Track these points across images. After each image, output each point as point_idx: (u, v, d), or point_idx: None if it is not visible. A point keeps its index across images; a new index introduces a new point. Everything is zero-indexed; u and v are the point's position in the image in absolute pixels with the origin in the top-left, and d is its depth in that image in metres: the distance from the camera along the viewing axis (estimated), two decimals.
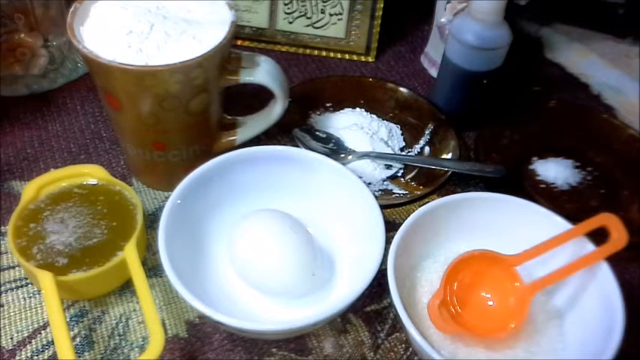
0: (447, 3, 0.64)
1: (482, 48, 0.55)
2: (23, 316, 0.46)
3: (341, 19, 0.68)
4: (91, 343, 0.45)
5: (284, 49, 0.70)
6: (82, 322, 0.46)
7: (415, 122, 0.61)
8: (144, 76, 0.44)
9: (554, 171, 0.58)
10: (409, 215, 0.45)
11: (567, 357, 0.42)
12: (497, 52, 0.56)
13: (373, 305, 0.48)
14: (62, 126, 0.60)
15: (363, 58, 0.70)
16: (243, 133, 0.54)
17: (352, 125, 0.59)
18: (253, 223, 0.45)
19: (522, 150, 0.59)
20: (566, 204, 0.55)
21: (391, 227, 0.45)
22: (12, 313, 0.46)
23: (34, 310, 0.46)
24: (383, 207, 0.46)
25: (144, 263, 0.47)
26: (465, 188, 0.56)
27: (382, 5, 0.66)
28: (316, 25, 0.69)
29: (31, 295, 0.47)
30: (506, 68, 0.58)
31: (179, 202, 0.45)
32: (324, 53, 0.70)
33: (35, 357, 0.44)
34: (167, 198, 0.45)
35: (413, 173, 0.57)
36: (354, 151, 0.56)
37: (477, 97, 0.59)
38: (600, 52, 0.72)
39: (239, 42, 0.70)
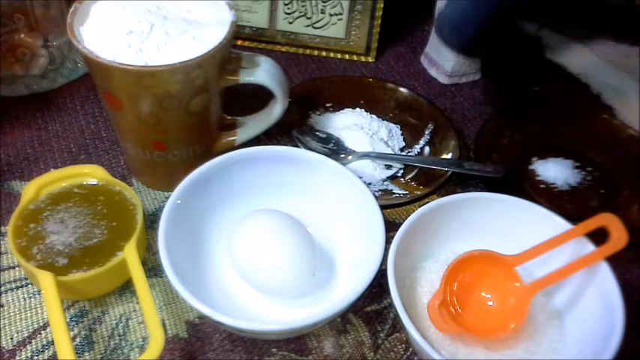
0: None
1: None
2: (23, 316, 0.46)
3: (341, 19, 0.68)
4: (91, 343, 0.45)
5: (284, 49, 0.70)
6: (82, 322, 0.46)
7: (415, 122, 0.61)
8: (144, 76, 0.44)
9: (554, 171, 0.58)
10: (409, 215, 0.45)
11: (567, 357, 0.42)
12: None
13: (373, 305, 0.48)
14: (62, 126, 0.60)
15: (363, 58, 0.70)
16: (243, 133, 0.54)
17: (352, 125, 0.59)
18: (253, 223, 0.45)
19: (522, 150, 0.59)
20: (566, 204, 0.55)
21: (391, 227, 0.45)
22: (12, 313, 0.46)
23: (34, 310, 0.46)
24: (383, 207, 0.46)
25: (144, 263, 0.47)
26: (465, 188, 0.56)
27: (382, 5, 0.66)
28: (316, 25, 0.69)
29: (31, 295, 0.47)
30: (506, 68, 0.57)
31: (179, 202, 0.45)
32: (324, 53, 0.70)
33: (35, 357, 0.44)
34: (167, 198, 0.45)
35: (413, 173, 0.57)
36: (354, 152, 0.56)
37: (495, 21, 0.55)
38: (600, 52, 0.71)
39: (239, 42, 0.70)
